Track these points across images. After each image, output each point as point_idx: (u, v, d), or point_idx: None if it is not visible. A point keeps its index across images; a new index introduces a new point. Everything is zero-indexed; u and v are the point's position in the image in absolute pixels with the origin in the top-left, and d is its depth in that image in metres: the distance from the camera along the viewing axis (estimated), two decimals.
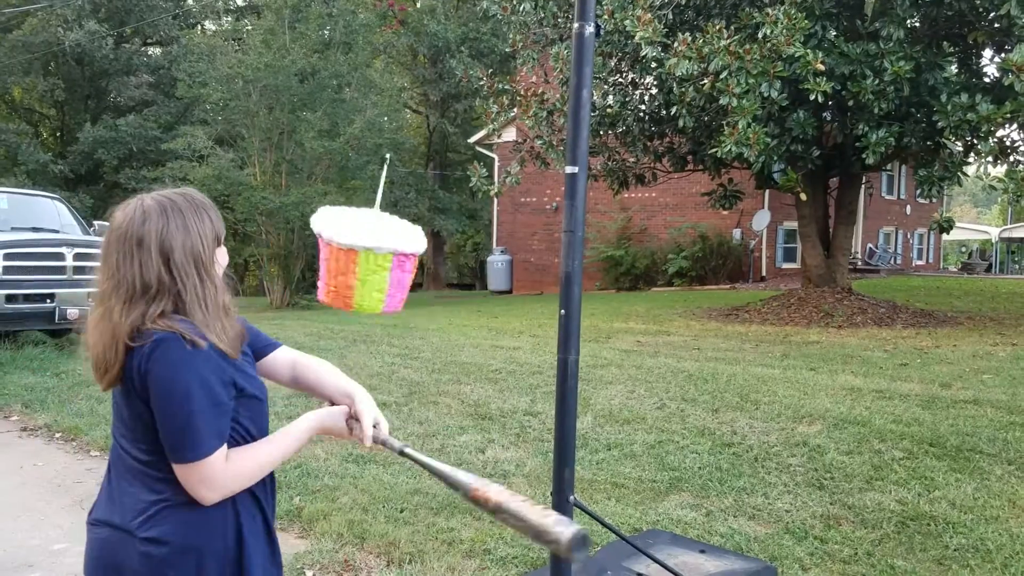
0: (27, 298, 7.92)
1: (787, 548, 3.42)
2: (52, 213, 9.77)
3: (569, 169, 2.75)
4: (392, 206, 24.66)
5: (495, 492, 1.66)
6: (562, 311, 2.77)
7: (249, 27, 22.53)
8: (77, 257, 8.40)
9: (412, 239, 2.24)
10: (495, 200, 23.24)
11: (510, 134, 18.96)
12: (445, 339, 9.28)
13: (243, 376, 1.61)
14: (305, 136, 15.99)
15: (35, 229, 8.93)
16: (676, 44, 8.91)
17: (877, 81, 8.68)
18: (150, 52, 26.99)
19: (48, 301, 8.05)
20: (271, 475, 1.72)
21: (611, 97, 11.60)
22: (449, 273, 34.76)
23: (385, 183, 2.52)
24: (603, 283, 21.05)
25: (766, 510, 3.87)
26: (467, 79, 13.57)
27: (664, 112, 11.15)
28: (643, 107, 11.79)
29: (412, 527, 3.69)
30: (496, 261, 23.50)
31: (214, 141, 17.62)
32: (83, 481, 4.63)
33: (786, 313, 11.26)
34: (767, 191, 17.19)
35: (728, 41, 8.61)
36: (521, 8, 11.48)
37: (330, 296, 2.17)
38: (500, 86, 12.14)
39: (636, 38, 9.19)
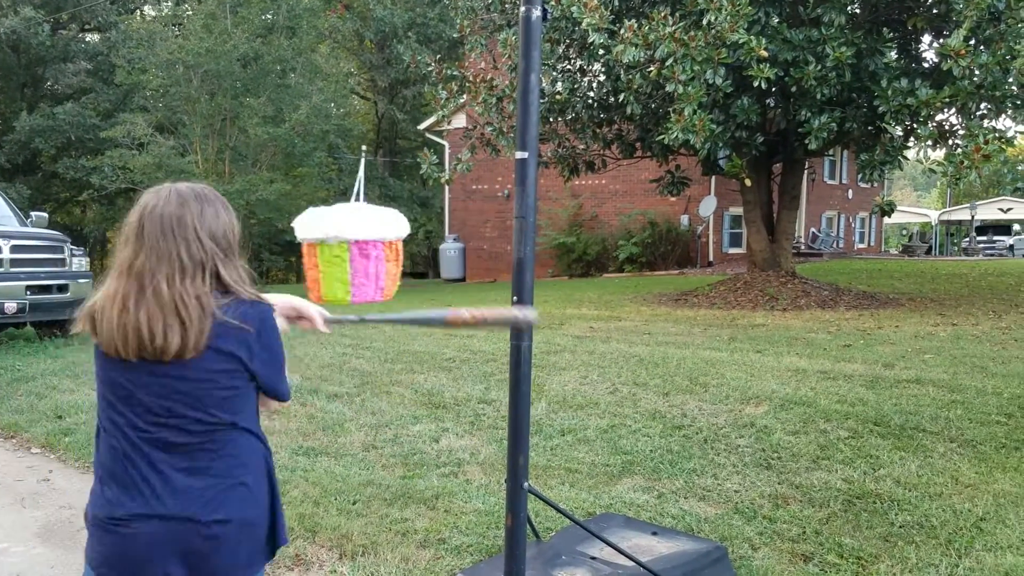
0: None
1: (737, 528, 3.48)
2: None
3: (519, 155, 2.75)
4: (341, 194, 24.39)
5: (466, 311, 1.86)
6: (515, 297, 2.76)
7: (190, 12, 22.00)
8: (13, 249, 8.14)
9: (375, 227, 2.20)
10: (446, 188, 23.13)
11: (460, 121, 18.85)
12: (398, 328, 9.22)
13: None
14: (248, 122, 15.70)
15: None
16: (623, 31, 8.94)
17: (819, 67, 8.83)
18: (88, 39, 26.19)
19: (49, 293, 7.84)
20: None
21: (560, 84, 11.60)
22: None
23: (363, 175, 2.50)
24: (555, 270, 21.13)
25: (716, 491, 3.93)
26: (415, 65, 13.44)
27: (612, 99, 11.19)
28: (592, 94, 11.82)
29: (365, 519, 3.66)
30: (448, 249, 23.41)
31: (154, 128, 17.20)
32: (24, 479, 4.50)
33: (733, 297, 11.43)
34: (713, 177, 17.41)
35: (673, 28, 8.66)
36: None
37: (309, 289, 2.18)
38: (449, 72, 12.06)
39: (583, 24, 9.20)
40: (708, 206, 19.03)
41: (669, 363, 6.71)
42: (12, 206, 9.82)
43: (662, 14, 8.83)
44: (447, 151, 22.26)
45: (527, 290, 2.74)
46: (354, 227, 2.19)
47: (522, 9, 2.68)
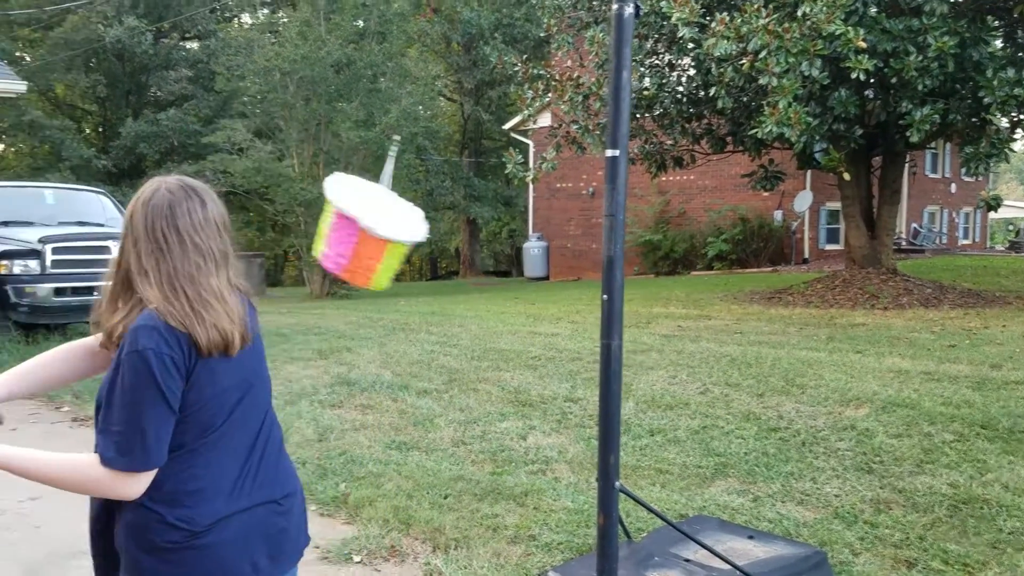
0: (75, 291, 8.09)
1: (837, 533, 3.37)
2: (97, 207, 9.96)
3: (610, 152, 2.73)
4: (428, 195, 24.74)
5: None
6: (604, 296, 2.75)
7: (285, 19, 22.67)
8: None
9: (368, 211, 2.23)
10: (531, 186, 23.16)
11: (545, 120, 18.85)
12: (483, 326, 9.29)
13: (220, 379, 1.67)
14: (341, 127, 16.07)
15: (81, 223, 9.11)
16: (714, 24, 8.78)
17: (920, 57, 8.47)
18: (188, 46, 27.30)
19: (95, 294, 8.19)
20: None
21: (647, 79, 11.47)
22: (485, 261, 34.79)
23: (394, 163, 2.56)
24: (641, 268, 20.92)
25: (814, 495, 3.82)
26: (502, 65, 13.51)
27: (702, 93, 10.99)
28: (680, 88, 11.64)
29: (457, 513, 3.71)
30: (532, 247, 23.45)
31: (253, 133, 17.81)
32: None
33: (830, 295, 11.08)
34: (809, 171, 16.90)
35: (767, 20, 8.45)
36: None
37: (347, 272, 2.22)
38: (535, 71, 12.07)
39: (673, 19, 9.07)
40: (804, 201, 18.49)
41: (763, 363, 6.55)
42: (121, 208, 10.34)
43: (755, 6, 8.62)
44: (532, 150, 22.29)
45: (617, 288, 2.72)
46: (347, 199, 2.22)
47: (615, 6, 2.66)
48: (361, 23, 18.32)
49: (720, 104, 9.74)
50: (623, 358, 7.04)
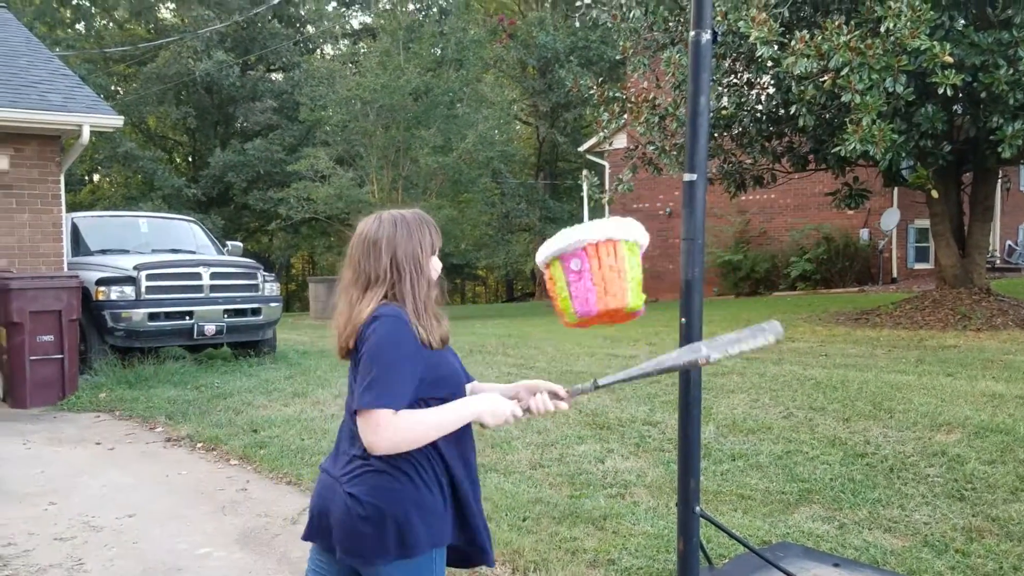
0: (168, 316, 8.43)
1: (926, 562, 3.26)
2: (188, 235, 10.38)
3: (687, 176, 2.74)
4: (503, 217, 24.92)
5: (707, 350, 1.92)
6: (683, 319, 2.75)
7: (365, 50, 23.29)
8: (213, 276, 8.87)
9: (574, 234, 2.17)
10: (607, 208, 23.13)
11: (621, 141, 18.84)
12: (560, 349, 9.30)
13: (433, 368, 1.89)
14: (420, 152, 16.39)
15: (174, 251, 9.50)
16: (793, 42, 8.67)
17: (1011, 71, 8.19)
18: (274, 78, 28.28)
19: (187, 318, 8.54)
20: (468, 464, 1.98)
21: (726, 99, 11.37)
22: None
23: (586, 200, 2.54)
24: (721, 289, 20.60)
25: (903, 522, 3.70)
26: (576, 88, 13.60)
27: (783, 111, 10.83)
28: (760, 107, 11.49)
29: (535, 536, 3.72)
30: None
31: (335, 161, 18.29)
32: (224, 489, 4.89)
33: (920, 316, 10.71)
34: (896, 188, 16.41)
35: (848, 37, 8.29)
36: (631, 15, 11.42)
37: (603, 305, 2.12)
38: (610, 93, 12.10)
39: (751, 38, 8.99)
40: (891, 219, 17.94)
41: (849, 387, 6.38)
42: (211, 236, 10.75)
43: (836, 23, 8.49)
44: (607, 171, 22.26)
45: (696, 312, 2.72)
46: (554, 243, 2.18)
47: (692, 33, 2.69)
48: (439, 51, 18.69)
49: (801, 122, 9.59)
50: (702, 381, 6.95)
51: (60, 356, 7.54)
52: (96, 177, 28.99)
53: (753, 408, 5.95)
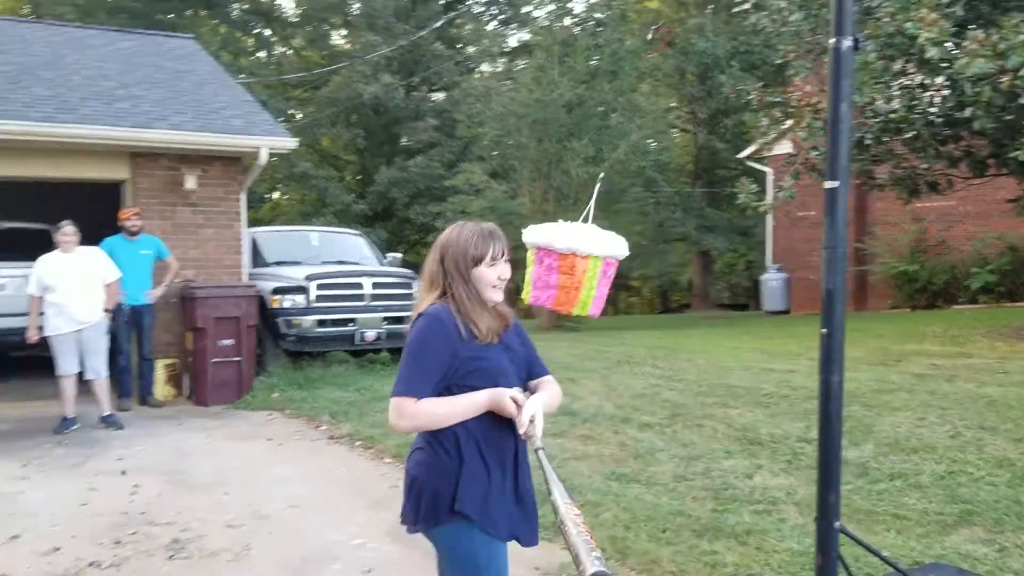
0: (333, 323, 8.96)
1: None
2: (354, 247, 11.00)
3: (828, 184, 2.68)
4: (658, 227, 24.61)
5: (566, 511, 1.96)
6: (823, 330, 2.69)
7: (521, 66, 23.75)
8: (374, 286, 9.34)
9: (616, 245, 2.45)
10: (768, 216, 22.36)
11: (784, 147, 18.19)
12: (712, 361, 9.11)
13: (469, 360, 2.17)
14: (571, 164, 16.50)
15: (340, 262, 10.08)
16: (966, 43, 8.14)
17: None
18: (435, 97, 29.35)
19: (350, 325, 9.04)
20: (515, 444, 2.23)
21: (896, 101, 10.78)
22: (720, 293, 33.87)
23: (596, 200, 2.76)
24: (895, 301, 19.41)
25: None
26: (734, 93, 13.30)
27: (958, 114, 10.15)
28: (933, 109, 10.81)
29: (674, 547, 3.70)
30: (771, 279, 22.51)
31: (489, 175, 18.74)
32: (378, 485, 5.16)
33: None
34: None
35: None
36: (792, 18, 11.07)
37: (553, 301, 2.55)
38: (770, 99, 11.77)
39: (920, 39, 8.52)
40: None
41: None
42: (374, 248, 11.35)
43: (1013, 22, 7.90)
44: (770, 178, 21.51)
45: (837, 323, 2.65)
46: (542, 235, 2.52)
47: (832, 40, 2.63)
48: (595, 61, 18.74)
49: (977, 125, 8.97)
50: (866, 398, 6.64)
51: (238, 359, 8.19)
52: (276, 195, 31.10)
53: (918, 427, 5.62)
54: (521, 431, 2.14)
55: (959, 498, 4.14)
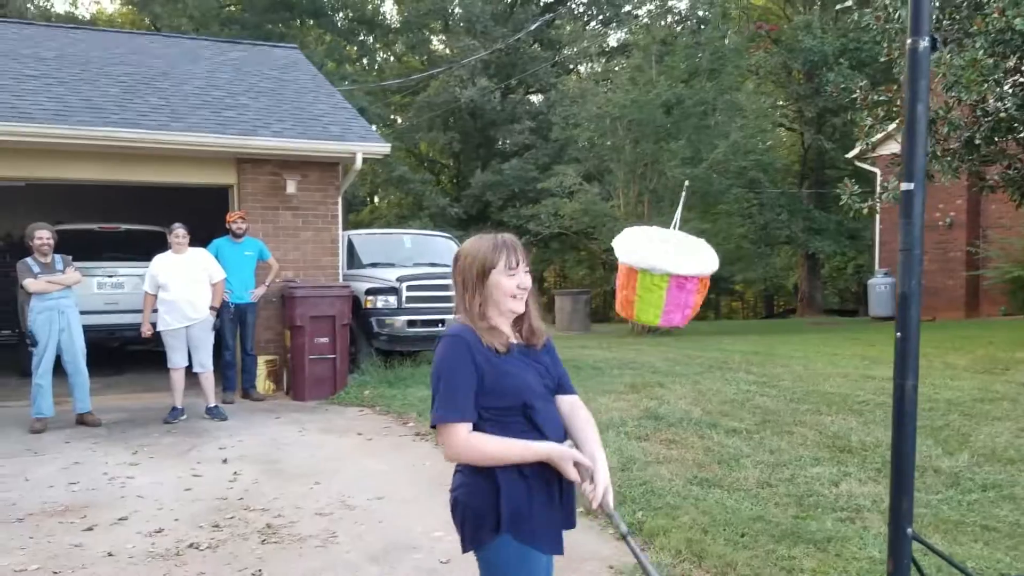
0: (423, 323, 9.16)
1: None
2: (446, 250, 11.19)
3: (905, 186, 2.63)
4: (761, 229, 24.02)
5: None
6: (898, 334, 2.63)
7: (617, 67, 23.60)
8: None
9: (694, 264, 2.40)
10: (877, 218, 21.52)
11: (891, 147, 17.49)
12: (810, 368, 8.87)
13: (495, 378, 2.11)
14: (668, 165, 16.31)
15: (432, 264, 10.30)
16: None
17: None
18: (531, 100, 29.51)
19: (439, 326, 9.22)
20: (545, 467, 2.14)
21: (1007, 100, 10.25)
22: (829, 298, 32.77)
23: (681, 206, 2.74)
24: (1009, 308, 18.41)
25: None
26: (837, 92, 12.91)
27: None
28: None
29: (751, 552, 3.66)
30: (879, 284, 21.66)
31: (583, 177, 18.70)
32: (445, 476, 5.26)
33: None
34: None
35: None
36: (896, 16, 10.68)
37: (619, 306, 2.50)
38: (874, 97, 11.37)
39: None
40: None
41: None
42: None
43: None
44: (878, 179, 20.73)
45: (912, 326, 2.60)
46: (678, 263, 2.39)
47: (909, 40, 2.58)
48: (696, 60, 18.46)
49: None
50: (965, 407, 6.39)
51: (333, 356, 8.49)
52: (376, 199, 31.92)
53: (1018, 438, 5.37)
54: (594, 505, 2.08)
55: None
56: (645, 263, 2.41)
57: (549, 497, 2.13)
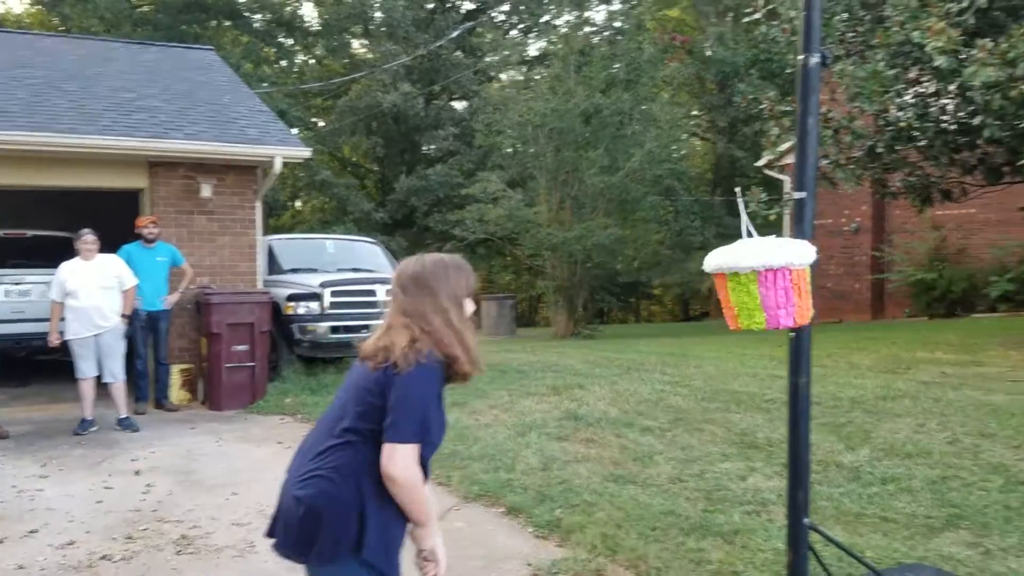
0: (347, 329, 9.11)
1: None
2: (370, 255, 11.16)
3: (797, 195, 2.79)
4: (676, 235, 24.60)
5: None
6: (791, 334, 2.78)
7: (538, 76, 23.88)
8: (388, 293, 9.48)
9: (767, 255, 2.39)
10: (785, 224, 22.32)
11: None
12: (721, 368, 9.18)
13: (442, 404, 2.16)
14: (587, 173, 16.61)
15: (355, 269, 10.26)
16: (975, 51, 8.17)
17: None
18: (455, 106, 29.57)
19: (363, 331, 9.18)
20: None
21: (905, 110, 10.80)
22: None
23: (744, 214, 2.70)
24: (913, 310, 19.31)
25: None
26: (746, 103, 13.37)
27: (973, 121, 10.18)
28: (946, 117, 10.82)
29: (662, 544, 3.80)
30: None
31: (507, 183, 18.88)
32: None
33: None
34: None
35: None
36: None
37: (730, 323, 2.55)
38: (781, 108, 11.81)
39: (927, 48, 8.57)
40: None
41: None
42: (389, 256, 11.50)
43: (1022, 29, 7.93)
44: (787, 186, 21.50)
45: (805, 328, 2.74)
46: (744, 256, 2.43)
47: (800, 57, 2.75)
48: (613, 70, 18.83)
49: (988, 133, 8.99)
50: (869, 404, 6.69)
51: (252, 364, 8.36)
52: (298, 203, 31.45)
53: (917, 433, 5.68)
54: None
55: (948, 502, 4.20)
56: (727, 264, 2.45)
57: (402, 532, 2.17)
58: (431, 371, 2.06)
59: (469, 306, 2.21)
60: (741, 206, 2.90)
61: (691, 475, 4.96)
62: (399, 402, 2.01)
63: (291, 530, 2.11)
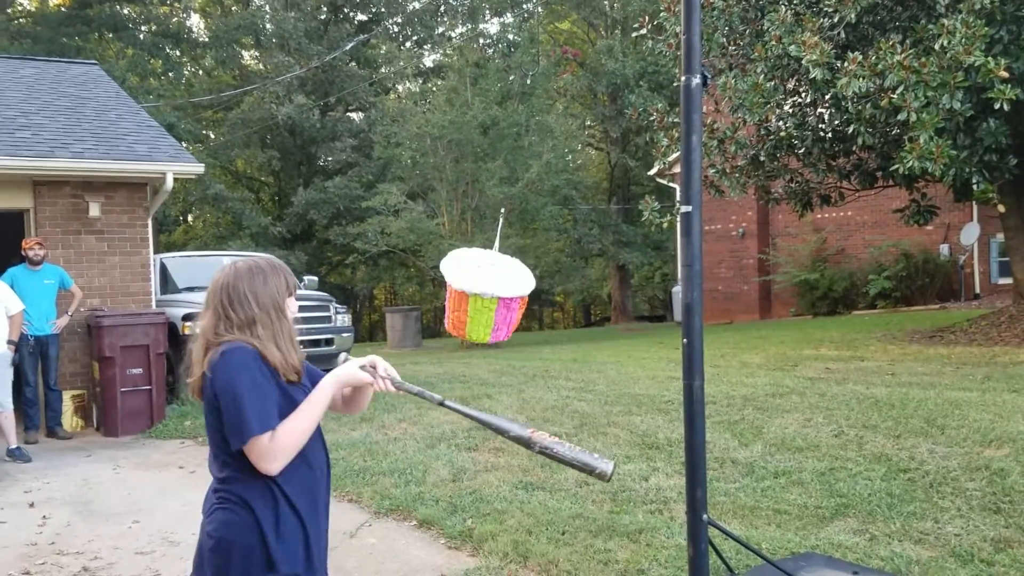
0: None
1: (950, 571, 3.34)
2: None
3: (683, 209, 2.95)
4: (576, 243, 25.07)
5: (547, 437, 2.19)
6: (684, 340, 2.95)
7: (435, 88, 23.98)
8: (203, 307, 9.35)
9: (516, 285, 2.67)
10: (678, 230, 23.08)
11: None
12: (622, 372, 9.45)
13: (288, 397, 2.05)
14: (487, 184, 16.81)
15: None
16: (846, 63, 8.71)
17: None
18: (352, 117, 29.31)
19: None
20: (316, 503, 2.15)
21: (785, 120, 11.40)
22: (639, 305, 34.68)
23: (500, 230, 3.00)
24: (798, 309, 20.29)
25: (934, 534, 3.76)
26: (636, 114, 13.82)
27: (847, 130, 10.83)
28: (823, 126, 11.48)
29: (571, 548, 3.93)
30: (679, 291, 23.21)
31: (408, 195, 18.89)
32: None
33: (996, 333, 10.45)
34: (975, 203, 15.98)
35: (903, 56, 8.29)
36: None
37: (451, 326, 2.75)
38: (669, 119, 12.26)
39: (803, 61, 9.07)
40: (970, 233, 17.46)
41: (907, 405, 6.35)
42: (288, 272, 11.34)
43: (890, 43, 8.50)
44: (678, 194, 22.25)
45: (696, 332, 2.91)
46: (504, 287, 2.69)
47: (682, 78, 2.92)
48: (507, 83, 19.12)
49: (861, 140, 9.57)
50: (759, 402, 6.99)
51: (148, 387, 8.12)
52: (190, 218, 30.49)
53: (805, 427, 6.00)
54: (391, 388, 2.13)
55: (836, 492, 4.48)
56: (476, 289, 2.65)
57: (318, 526, 2.15)
58: (238, 355, 1.99)
59: (292, 306, 2.20)
60: (500, 223, 3.34)
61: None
62: (224, 402, 1.96)
63: (205, 564, 2.06)
